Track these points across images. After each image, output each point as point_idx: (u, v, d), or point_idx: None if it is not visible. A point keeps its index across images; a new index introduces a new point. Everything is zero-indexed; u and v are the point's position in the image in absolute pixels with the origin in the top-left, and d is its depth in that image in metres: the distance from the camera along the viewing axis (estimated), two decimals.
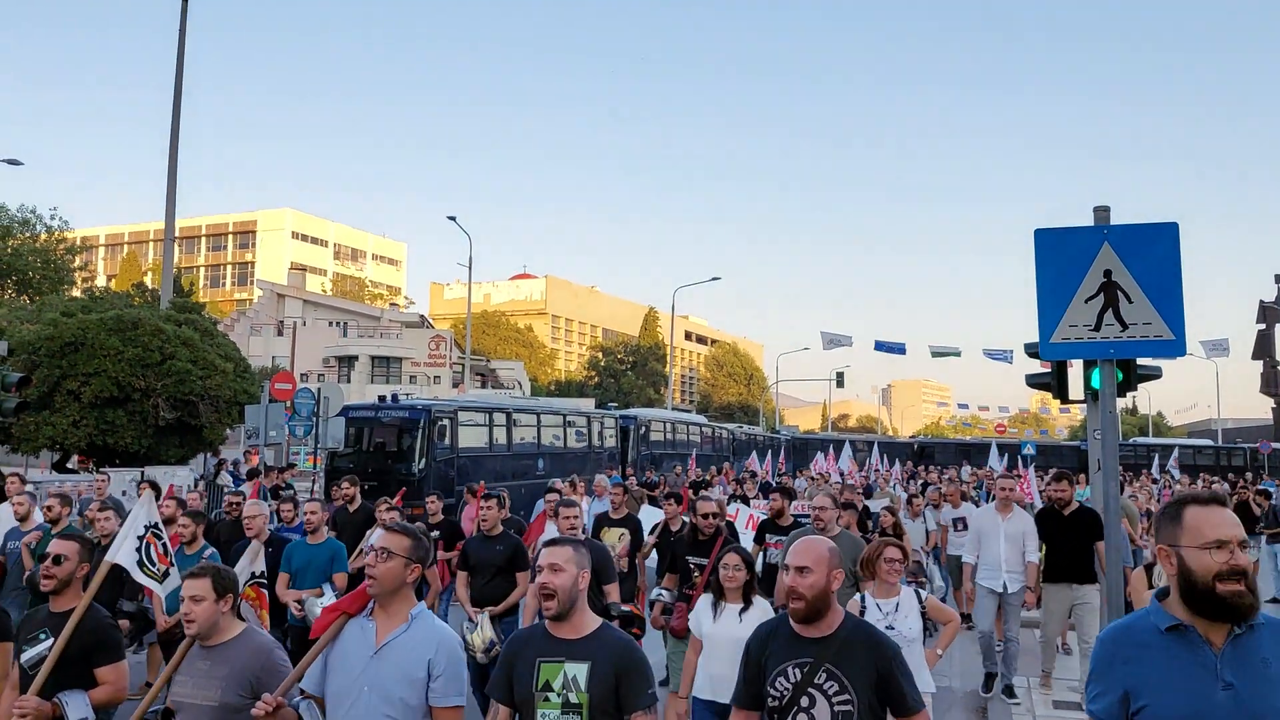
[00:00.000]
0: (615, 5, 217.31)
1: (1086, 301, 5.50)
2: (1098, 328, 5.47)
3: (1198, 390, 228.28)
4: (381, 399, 24.06)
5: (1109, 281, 5.46)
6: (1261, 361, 59.24)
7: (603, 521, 8.77)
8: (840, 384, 65.34)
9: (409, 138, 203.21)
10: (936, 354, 38.62)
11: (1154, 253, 5.42)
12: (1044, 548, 8.06)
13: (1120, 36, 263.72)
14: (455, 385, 59.69)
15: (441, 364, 65.40)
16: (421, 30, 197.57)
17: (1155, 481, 31.00)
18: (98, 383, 18.82)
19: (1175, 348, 5.36)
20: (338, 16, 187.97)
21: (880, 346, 39.85)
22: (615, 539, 8.28)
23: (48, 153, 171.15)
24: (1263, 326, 59.95)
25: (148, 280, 73.31)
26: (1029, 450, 42.99)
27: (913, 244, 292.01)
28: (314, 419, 18.57)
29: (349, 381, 60.63)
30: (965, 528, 10.82)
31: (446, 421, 22.98)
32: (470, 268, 43.86)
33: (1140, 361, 9.84)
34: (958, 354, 38.79)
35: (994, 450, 29.77)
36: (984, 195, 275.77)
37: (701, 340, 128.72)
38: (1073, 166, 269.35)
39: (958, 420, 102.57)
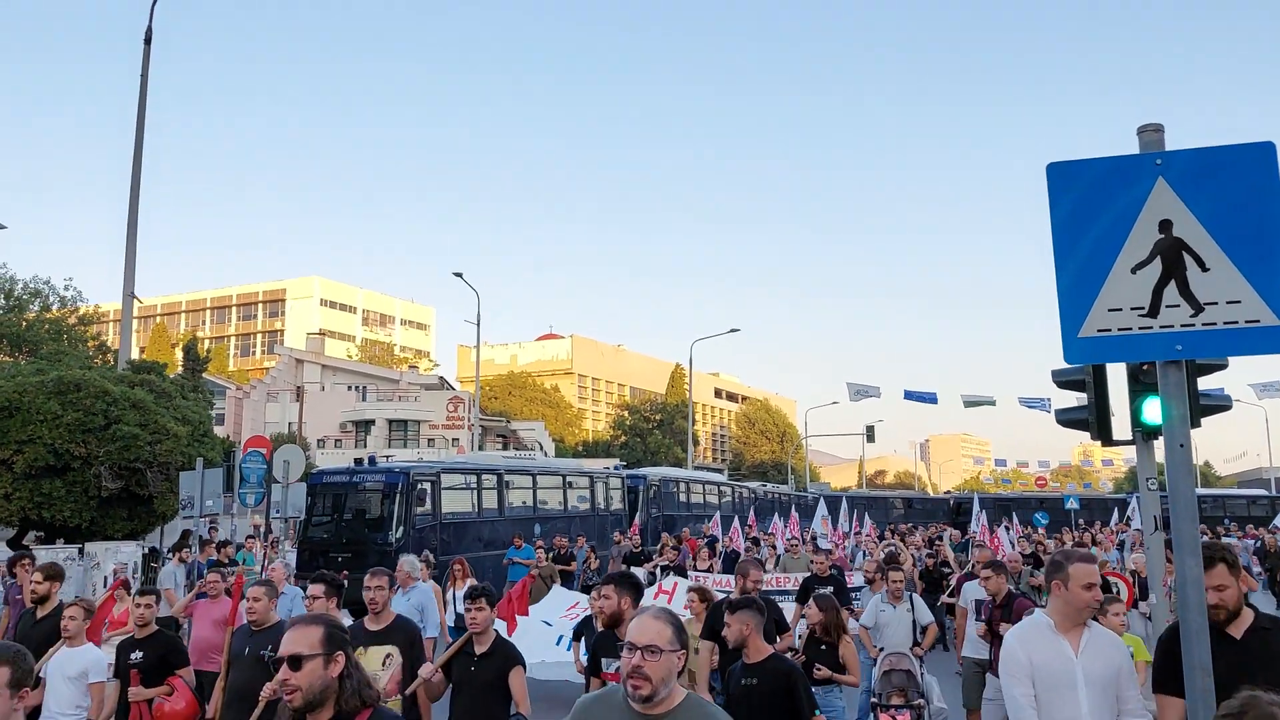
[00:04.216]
0: (627, 71, 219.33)
1: (1134, 271, 3.46)
2: (1154, 311, 3.43)
3: (1245, 437, 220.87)
4: (358, 462, 22.25)
5: (1169, 238, 3.42)
6: None
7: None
8: (871, 438, 62.70)
9: (433, 205, 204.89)
10: (970, 404, 36.23)
11: (1239, 190, 3.38)
12: None
13: (1156, 79, 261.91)
14: (480, 448, 58.00)
15: (460, 426, 63.77)
16: (437, 101, 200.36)
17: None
18: (32, 450, 17.14)
19: None
20: (361, 85, 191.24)
21: (910, 396, 37.53)
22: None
23: (62, 224, 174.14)
24: None
25: (177, 354, 72.67)
26: (1073, 504, 40.24)
27: (938, 292, 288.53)
28: (267, 485, 16.77)
29: (365, 445, 59.18)
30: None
31: (428, 485, 21.08)
32: (479, 325, 42.12)
33: (1201, 386, 7.82)
34: (992, 403, 36.37)
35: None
36: (1010, 237, 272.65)
37: (732, 397, 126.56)
38: None
39: (996, 476, 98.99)
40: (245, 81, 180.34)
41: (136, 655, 6.57)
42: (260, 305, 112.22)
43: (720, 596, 8.10)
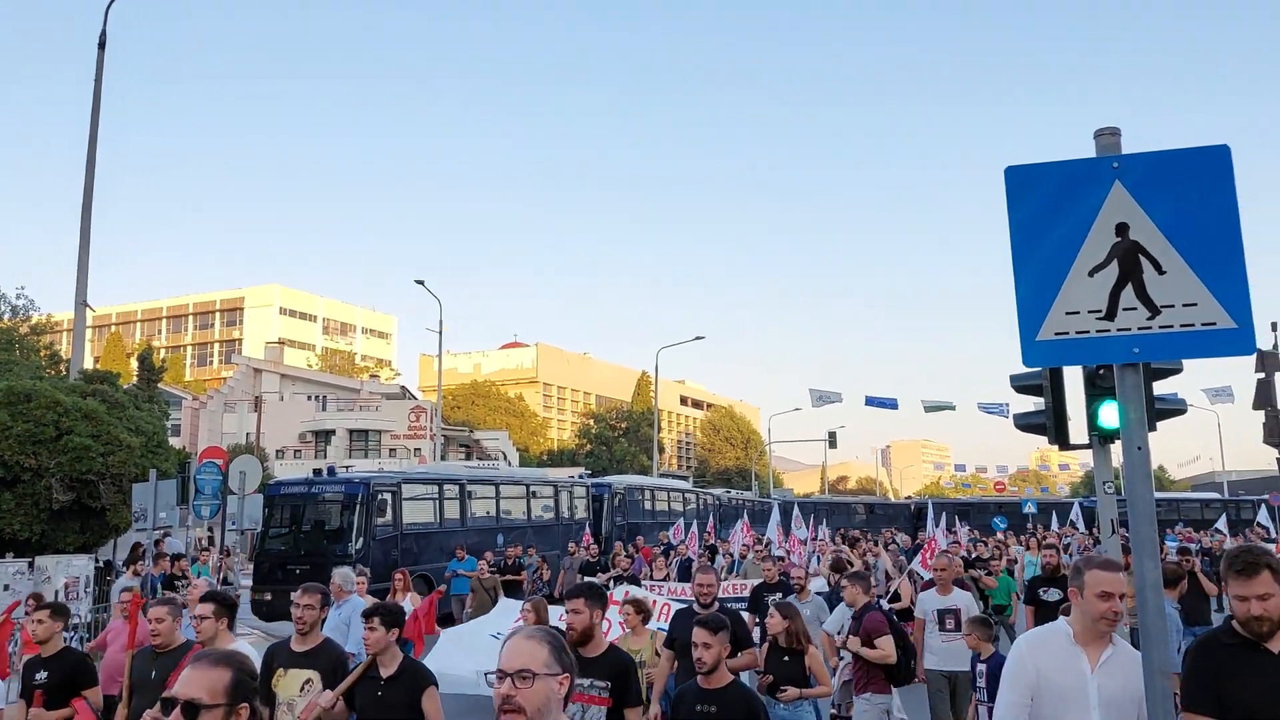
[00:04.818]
0: (588, 76, 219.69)
1: (1091, 275, 3.45)
2: (1111, 314, 3.43)
3: (1198, 441, 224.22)
4: (316, 472, 22.03)
5: (1126, 241, 3.42)
6: (1263, 411, 57.83)
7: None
8: (833, 444, 63.13)
9: (395, 212, 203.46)
10: (930, 408, 36.58)
11: (1195, 193, 3.40)
12: None
13: (1132, 89, 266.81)
14: (443, 458, 57.55)
15: (422, 436, 63.23)
16: (399, 107, 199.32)
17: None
18: None
19: (1239, 339, 3.29)
20: (321, 92, 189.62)
21: (871, 402, 37.93)
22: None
23: (13, 231, 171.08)
24: (1262, 375, 58.61)
25: (132, 364, 71.37)
26: (1031, 509, 40.73)
27: (899, 297, 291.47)
28: (222, 497, 16.49)
29: (325, 456, 58.49)
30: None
31: (389, 496, 20.85)
32: (441, 333, 41.92)
33: (1156, 391, 7.89)
34: (952, 408, 36.79)
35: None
36: (971, 242, 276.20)
37: (697, 404, 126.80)
38: None
39: (956, 480, 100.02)
40: (203, 87, 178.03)
41: (41, 675, 6.26)
42: (218, 314, 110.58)
43: (679, 606, 7.98)
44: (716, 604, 7.13)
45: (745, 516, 24.64)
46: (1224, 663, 3.42)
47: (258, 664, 5.27)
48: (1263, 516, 36.01)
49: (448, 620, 15.63)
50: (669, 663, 6.73)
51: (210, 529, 29.03)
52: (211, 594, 5.78)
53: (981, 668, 7.14)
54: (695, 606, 7.13)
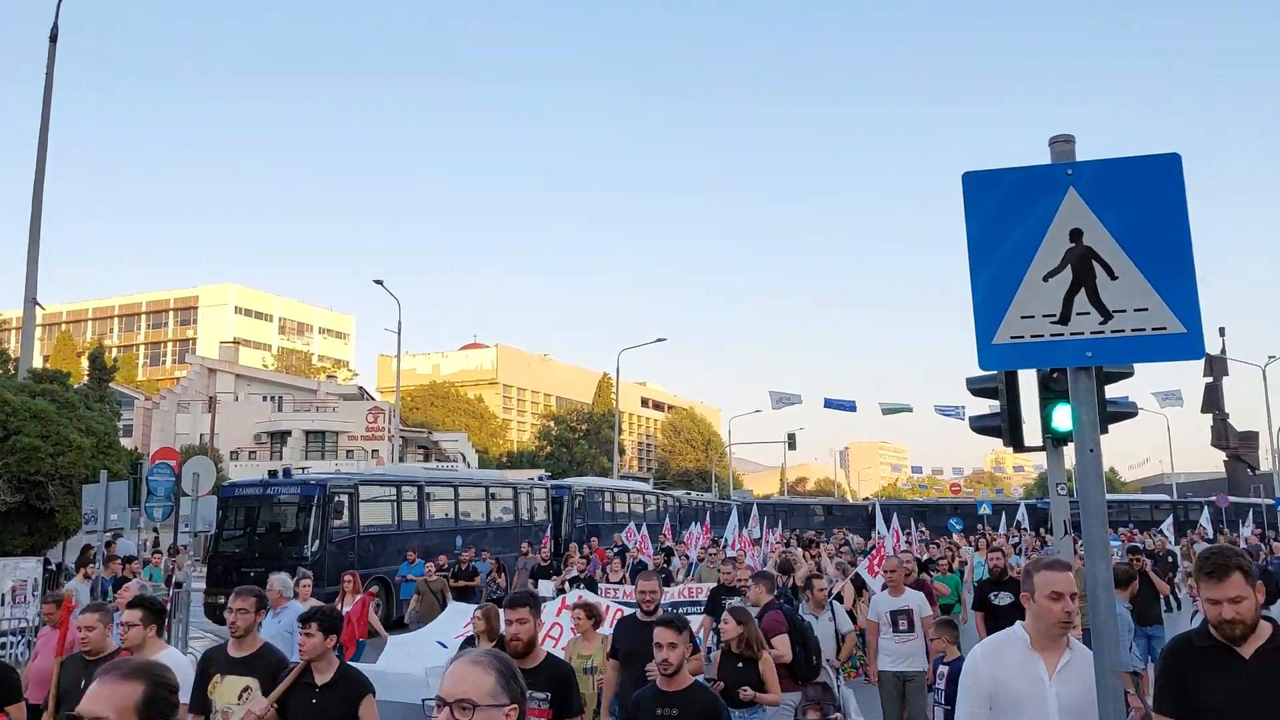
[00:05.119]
0: (546, 76, 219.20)
1: (1046, 279, 3.51)
2: (1065, 319, 3.49)
3: (1148, 444, 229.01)
4: (272, 474, 21.69)
5: (1079, 247, 3.49)
6: (1211, 415, 59.15)
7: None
8: (792, 446, 63.58)
9: (354, 211, 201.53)
10: (888, 411, 36.97)
11: (1147, 200, 3.47)
12: None
13: (1090, 91, 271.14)
14: (401, 459, 57.09)
15: (380, 437, 62.68)
16: (357, 105, 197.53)
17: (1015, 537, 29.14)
18: None
19: (1189, 344, 3.38)
20: (278, 88, 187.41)
21: (830, 404, 38.24)
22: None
23: None
24: (1210, 379, 59.97)
25: (83, 363, 69.98)
26: (985, 510, 41.33)
27: (858, 300, 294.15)
28: (175, 499, 16.19)
29: (281, 457, 57.75)
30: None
31: (345, 497, 20.63)
32: (399, 333, 41.50)
33: (1108, 394, 8.03)
34: (909, 410, 37.19)
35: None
36: (929, 247, 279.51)
37: (659, 406, 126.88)
38: None
39: (914, 482, 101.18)
40: (158, 83, 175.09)
41: None
42: (171, 313, 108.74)
43: (628, 611, 7.71)
44: (660, 610, 6.87)
45: (707, 518, 24.70)
46: (1196, 666, 3.39)
47: (188, 673, 5.14)
48: (1204, 519, 36.85)
49: (402, 626, 15.47)
50: (615, 673, 6.60)
51: (155, 530, 28.55)
52: (140, 599, 5.55)
53: (944, 670, 7.07)
54: (639, 613, 6.93)
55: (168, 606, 15.01)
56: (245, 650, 5.31)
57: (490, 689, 2.18)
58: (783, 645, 7.11)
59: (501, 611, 5.04)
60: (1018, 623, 3.92)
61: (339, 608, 10.93)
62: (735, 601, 8.37)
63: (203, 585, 19.67)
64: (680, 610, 10.38)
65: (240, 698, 5.07)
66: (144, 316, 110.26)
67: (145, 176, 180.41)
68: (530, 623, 4.96)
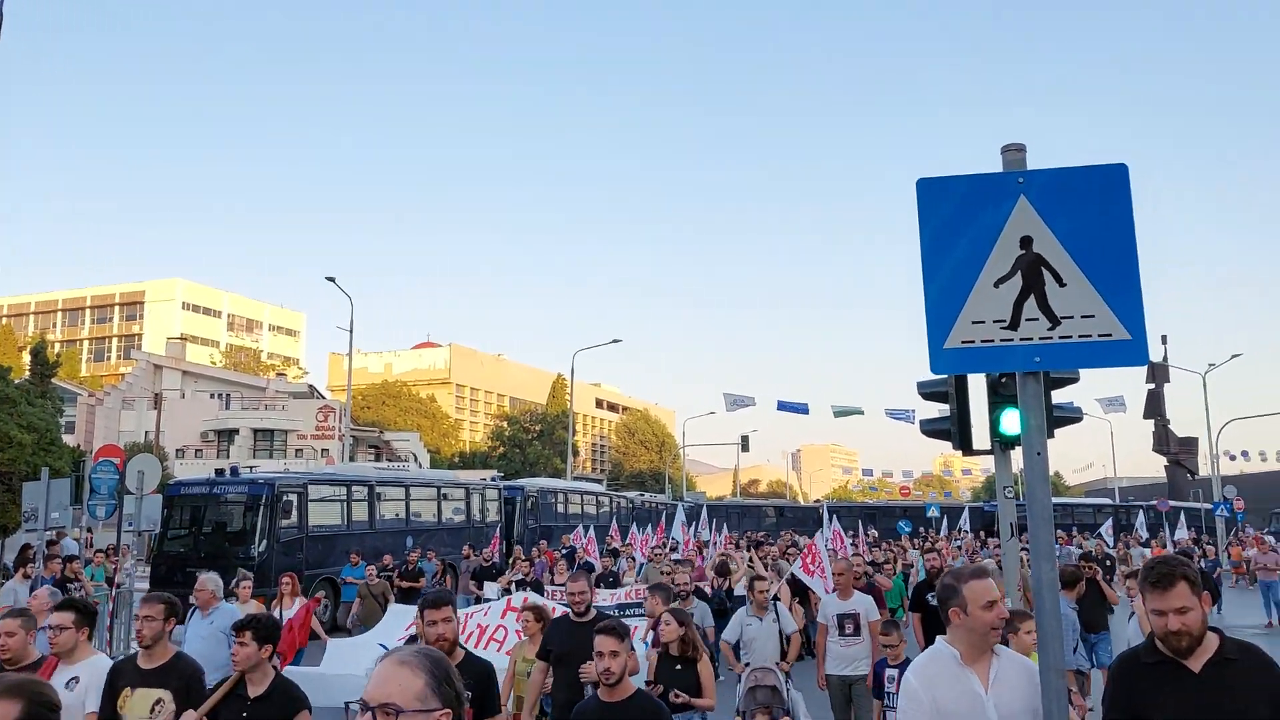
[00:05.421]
0: (501, 75, 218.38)
1: (996, 285, 3.58)
2: (1014, 324, 3.56)
3: (1092, 449, 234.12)
4: (219, 472, 21.35)
5: (1029, 254, 3.56)
6: (1153, 421, 60.51)
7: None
8: (745, 448, 63.94)
9: (305, 206, 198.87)
10: (839, 413, 37.30)
11: (1095, 209, 3.55)
12: None
13: (1045, 92, 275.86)
14: (351, 459, 56.41)
15: (330, 436, 61.90)
16: (310, 99, 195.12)
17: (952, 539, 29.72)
18: None
19: (1133, 350, 3.46)
20: (230, 81, 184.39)
21: (783, 406, 38.45)
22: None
23: None
24: (1152, 385, 61.36)
25: (24, 358, 68.33)
26: (934, 513, 41.91)
27: (811, 302, 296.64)
28: (119, 497, 15.86)
29: (228, 456, 56.83)
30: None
31: (294, 497, 20.35)
32: (351, 331, 40.93)
33: (1054, 399, 8.20)
34: (860, 413, 37.57)
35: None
36: (882, 251, 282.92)
37: (613, 408, 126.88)
38: None
39: (864, 485, 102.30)
40: (105, 70, 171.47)
41: None
42: (117, 307, 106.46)
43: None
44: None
45: (661, 520, 24.71)
46: (1144, 684, 3.27)
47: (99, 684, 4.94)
48: (1140, 523, 37.74)
49: (344, 630, 15.25)
50: (542, 674, 6.46)
51: (89, 529, 27.98)
52: (70, 601, 5.26)
53: (893, 672, 6.96)
54: (570, 615, 6.73)
55: (110, 607, 14.72)
56: (156, 661, 5.05)
57: (418, 692, 2.00)
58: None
59: (423, 611, 4.87)
60: (939, 639, 3.73)
61: (277, 611, 10.65)
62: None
63: (146, 586, 19.29)
64: (626, 612, 10.34)
65: (153, 711, 4.84)
66: (89, 311, 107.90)
67: (92, 169, 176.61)
68: (454, 622, 4.84)
